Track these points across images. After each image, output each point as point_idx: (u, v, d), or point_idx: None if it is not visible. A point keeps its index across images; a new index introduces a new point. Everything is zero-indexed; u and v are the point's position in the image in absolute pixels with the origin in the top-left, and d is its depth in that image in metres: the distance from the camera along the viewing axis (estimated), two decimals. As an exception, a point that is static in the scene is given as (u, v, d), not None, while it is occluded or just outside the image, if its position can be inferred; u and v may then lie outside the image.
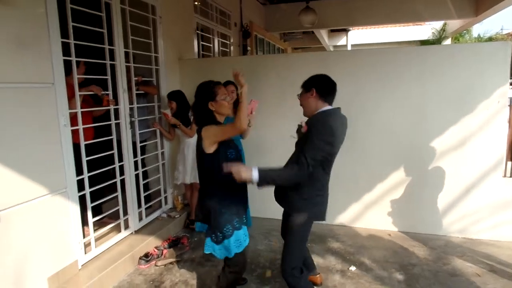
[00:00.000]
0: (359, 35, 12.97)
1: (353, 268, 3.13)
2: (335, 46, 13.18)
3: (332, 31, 12.16)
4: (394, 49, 4.62)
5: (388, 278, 2.97)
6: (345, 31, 12.06)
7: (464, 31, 13.91)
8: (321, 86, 2.25)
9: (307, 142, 2.10)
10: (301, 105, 2.34)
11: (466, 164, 3.62)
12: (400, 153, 3.78)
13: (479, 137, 3.56)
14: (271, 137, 4.09)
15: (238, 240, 2.24)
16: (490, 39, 14.36)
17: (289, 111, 3.82)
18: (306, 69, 3.98)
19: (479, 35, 14.87)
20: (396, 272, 3.05)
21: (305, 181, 2.16)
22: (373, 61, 3.77)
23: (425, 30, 12.77)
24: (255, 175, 2.03)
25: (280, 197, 2.41)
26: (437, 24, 12.40)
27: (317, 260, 3.26)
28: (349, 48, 11.99)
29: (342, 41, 12.59)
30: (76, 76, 2.76)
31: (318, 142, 2.08)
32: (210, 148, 2.15)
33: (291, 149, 2.37)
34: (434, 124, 3.65)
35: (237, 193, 2.28)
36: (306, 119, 2.30)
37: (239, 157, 2.25)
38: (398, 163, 3.81)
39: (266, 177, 2.08)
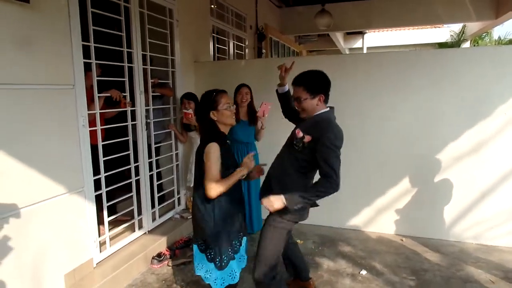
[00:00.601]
0: (375, 38, 12.88)
1: (364, 272, 3.12)
2: (350, 49, 13.11)
3: (348, 33, 12.11)
4: (410, 52, 4.58)
5: (399, 283, 2.95)
6: (361, 33, 12.00)
7: (484, 34, 13.66)
8: (328, 91, 2.18)
9: (324, 151, 2.03)
10: (302, 108, 2.19)
11: (482, 169, 3.57)
12: (414, 157, 3.75)
13: (496, 142, 3.50)
14: (284, 139, 4.09)
15: (233, 270, 2.19)
16: (511, 41, 14.04)
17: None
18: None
19: (499, 37, 14.55)
20: (407, 277, 3.03)
21: (293, 186, 2.14)
22: (389, 65, 3.76)
23: (444, 32, 12.58)
24: (283, 200, 2.04)
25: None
26: (456, 27, 12.20)
27: (327, 263, 3.27)
28: (364, 50, 11.91)
29: (358, 43, 12.53)
30: (95, 78, 2.85)
31: (335, 149, 2.05)
32: None
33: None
34: (450, 128, 3.61)
35: (234, 216, 2.20)
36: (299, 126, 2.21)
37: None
38: (412, 167, 3.78)
39: (293, 199, 2.05)
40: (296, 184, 2.17)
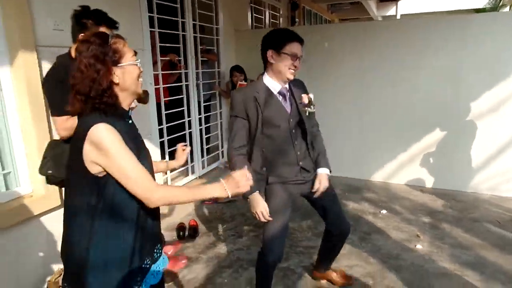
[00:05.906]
0: (409, 4, 12.62)
1: (384, 211, 3.61)
2: (383, 17, 12.97)
3: (381, 0, 11.98)
4: (435, 17, 4.79)
5: (415, 220, 3.43)
6: (395, 0, 11.83)
7: (526, -1, 13.06)
8: None
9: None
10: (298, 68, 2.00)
11: (500, 125, 3.87)
12: (436, 115, 4.10)
13: (515, 101, 3.80)
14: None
15: None
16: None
17: (333, 82, 4.25)
18: (349, 39, 4.35)
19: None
20: (422, 217, 3.50)
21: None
22: (415, 30, 4.07)
23: (482, -3, 12.19)
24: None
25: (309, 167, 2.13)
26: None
27: (352, 205, 3.79)
28: (398, 18, 11.80)
29: (391, 11, 12.36)
30: (158, 45, 3.40)
31: None
32: (94, 167, 1.21)
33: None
34: (471, 87, 3.91)
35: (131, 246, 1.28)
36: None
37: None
38: (434, 123, 4.14)
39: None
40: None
